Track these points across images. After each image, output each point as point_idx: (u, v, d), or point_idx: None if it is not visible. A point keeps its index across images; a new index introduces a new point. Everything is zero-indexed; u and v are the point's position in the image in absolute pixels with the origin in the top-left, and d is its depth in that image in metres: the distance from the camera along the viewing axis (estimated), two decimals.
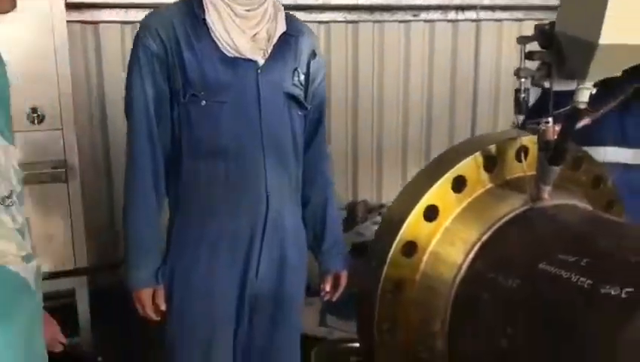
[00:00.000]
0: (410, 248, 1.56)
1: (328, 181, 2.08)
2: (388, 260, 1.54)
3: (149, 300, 1.81)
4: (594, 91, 1.33)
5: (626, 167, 2.43)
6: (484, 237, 1.54)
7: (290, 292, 1.93)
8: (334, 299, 2.08)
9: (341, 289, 2.07)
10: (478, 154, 1.59)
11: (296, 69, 1.86)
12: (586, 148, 1.80)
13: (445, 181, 1.56)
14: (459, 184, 1.58)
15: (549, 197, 1.56)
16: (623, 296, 1.19)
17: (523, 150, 1.63)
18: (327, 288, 2.06)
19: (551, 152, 1.46)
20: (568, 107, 1.35)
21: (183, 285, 1.82)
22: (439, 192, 1.56)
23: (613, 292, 1.20)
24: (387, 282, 1.55)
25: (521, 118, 1.48)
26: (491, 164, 1.62)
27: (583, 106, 1.32)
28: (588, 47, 1.19)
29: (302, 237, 1.99)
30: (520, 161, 1.64)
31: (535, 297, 1.35)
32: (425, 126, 4.40)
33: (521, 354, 1.34)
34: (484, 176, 1.61)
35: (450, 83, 4.39)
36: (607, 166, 1.85)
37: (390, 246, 1.54)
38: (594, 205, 1.82)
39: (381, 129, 4.28)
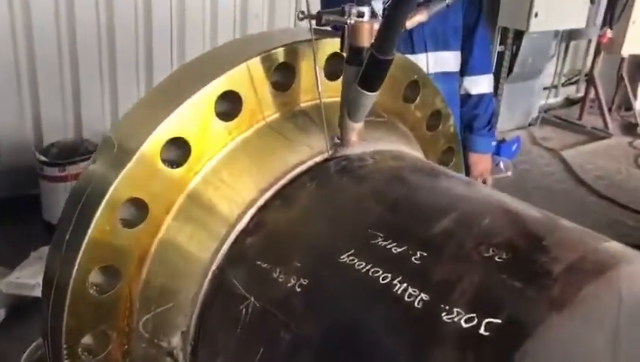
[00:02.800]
0: (137, 211, 0.90)
1: None
2: (89, 235, 0.86)
3: None
4: None
5: None
6: (262, 200, 0.93)
7: None
8: None
9: None
10: (258, 59, 0.94)
11: None
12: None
13: (204, 99, 0.90)
14: (229, 106, 0.94)
15: (360, 141, 0.97)
16: (483, 331, 0.64)
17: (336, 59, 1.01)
18: None
19: (364, 67, 0.86)
20: None
21: None
22: (193, 118, 0.90)
23: (464, 324, 0.65)
24: (88, 270, 0.88)
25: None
26: (283, 78, 0.99)
27: None
28: None
29: None
30: (332, 78, 1.03)
31: (332, 315, 0.76)
32: None
33: None
34: (270, 96, 0.98)
35: None
36: None
37: (94, 211, 0.86)
38: (427, 153, 1.29)
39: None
